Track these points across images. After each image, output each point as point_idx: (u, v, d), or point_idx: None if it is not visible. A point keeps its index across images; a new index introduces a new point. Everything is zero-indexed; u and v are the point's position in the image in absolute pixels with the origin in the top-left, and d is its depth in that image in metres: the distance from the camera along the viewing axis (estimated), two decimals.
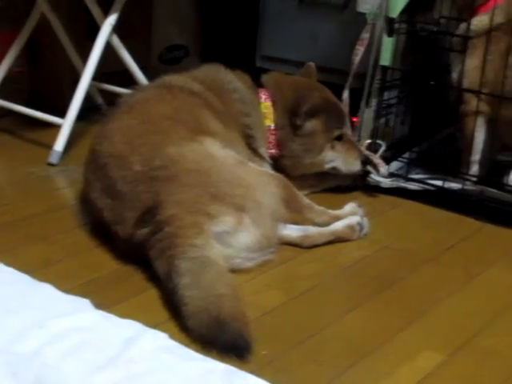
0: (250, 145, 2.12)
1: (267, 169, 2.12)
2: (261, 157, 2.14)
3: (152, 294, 1.67)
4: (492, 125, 2.21)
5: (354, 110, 2.31)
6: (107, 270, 1.77)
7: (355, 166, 2.21)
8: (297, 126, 2.14)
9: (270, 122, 2.16)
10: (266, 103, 2.16)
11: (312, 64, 2.28)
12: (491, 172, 2.30)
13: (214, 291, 1.54)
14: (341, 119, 2.19)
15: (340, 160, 2.20)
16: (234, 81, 2.12)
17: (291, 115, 2.14)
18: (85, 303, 1.53)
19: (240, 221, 1.74)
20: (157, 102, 1.95)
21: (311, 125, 2.14)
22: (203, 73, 2.13)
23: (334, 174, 2.24)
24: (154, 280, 1.68)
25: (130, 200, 1.73)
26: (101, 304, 1.55)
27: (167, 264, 1.61)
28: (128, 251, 1.77)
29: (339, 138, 2.18)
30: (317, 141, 2.16)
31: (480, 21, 2.18)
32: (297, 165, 2.19)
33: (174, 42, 3.25)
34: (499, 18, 2.14)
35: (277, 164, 2.18)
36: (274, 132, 2.16)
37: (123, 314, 1.52)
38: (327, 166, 2.21)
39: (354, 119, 2.33)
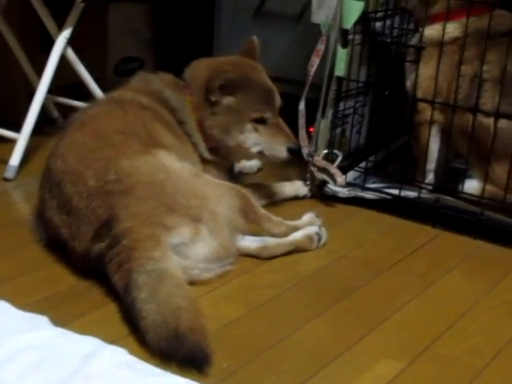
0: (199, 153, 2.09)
1: (220, 174, 2.11)
2: (208, 161, 2.11)
3: (110, 309, 1.65)
4: (446, 134, 2.24)
5: (311, 120, 2.32)
6: (65, 285, 1.74)
7: (280, 153, 2.11)
8: (212, 102, 2.05)
9: (195, 116, 2.08)
10: (189, 98, 2.09)
11: (254, 38, 2.20)
12: (446, 180, 2.33)
13: (172, 304, 1.52)
14: (265, 101, 2.10)
15: (264, 144, 2.11)
16: (164, 89, 2.07)
17: (206, 93, 2.05)
18: (42, 320, 1.51)
19: (197, 231, 1.73)
20: (108, 117, 1.94)
21: (226, 101, 2.05)
22: (143, 84, 2.09)
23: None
24: (113, 294, 1.66)
25: (85, 215, 1.72)
26: (59, 320, 1.53)
27: (125, 278, 1.59)
28: (85, 266, 1.75)
29: (263, 121, 2.09)
30: (233, 119, 2.07)
31: (435, 30, 2.21)
32: (227, 150, 2.12)
33: (130, 53, 3.24)
34: (457, 33, 2.17)
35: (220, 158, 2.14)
36: (200, 124, 2.08)
37: (81, 330, 1.50)
38: (253, 150, 2.11)
39: (311, 129, 2.34)
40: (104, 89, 2.56)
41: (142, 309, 1.52)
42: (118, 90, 2.10)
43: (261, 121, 2.09)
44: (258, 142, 2.11)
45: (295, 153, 2.14)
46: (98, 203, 1.71)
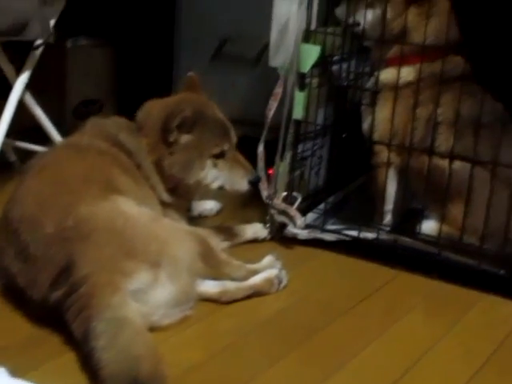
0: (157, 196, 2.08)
1: (179, 217, 2.12)
2: (167, 204, 2.11)
3: (70, 358, 1.62)
4: (402, 175, 2.27)
5: (270, 162, 2.34)
6: (22, 334, 1.72)
7: (241, 186, 2.13)
8: (170, 143, 2.04)
9: (151, 158, 2.06)
10: (144, 140, 2.08)
11: (192, 74, 2.21)
12: (404, 220, 2.36)
13: (131, 352, 1.51)
14: (222, 135, 2.11)
15: (225, 178, 2.12)
16: (119, 133, 2.06)
17: (163, 134, 2.04)
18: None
19: (156, 277, 1.72)
20: (66, 162, 1.93)
21: (185, 140, 2.05)
22: (99, 129, 2.08)
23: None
24: (71, 343, 1.64)
25: (43, 262, 1.70)
26: (17, 371, 1.50)
27: (83, 326, 1.58)
28: (44, 315, 1.72)
29: (222, 156, 2.10)
30: (193, 156, 2.07)
31: (390, 74, 2.25)
32: (187, 189, 2.12)
33: (89, 96, 3.24)
34: (411, 77, 2.21)
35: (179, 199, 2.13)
36: (157, 165, 2.07)
37: (40, 380, 1.48)
38: (213, 186, 2.12)
39: (270, 172, 2.35)
40: (63, 132, 2.56)
41: (101, 357, 1.50)
42: (74, 135, 2.10)
43: (220, 155, 2.10)
44: (219, 177, 2.12)
45: (256, 184, 2.16)
46: (55, 250, 1.70)
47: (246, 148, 2.24)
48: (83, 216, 1.74)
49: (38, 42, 2.47)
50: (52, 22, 2.47)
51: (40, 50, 2.48)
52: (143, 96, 2.18)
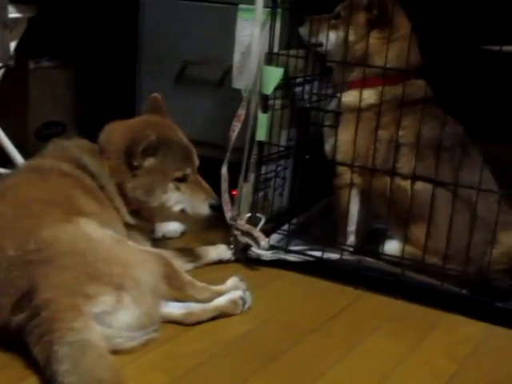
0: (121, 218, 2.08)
1: (143, 238, 2.11)
2: (131, 226, 2.10)
3: (32, 382, 1.60)
4: (365, 196, 2.29)
5: (234, 183, 2.34)
6: None
7: (202, 210, 2.12)
8: (134, 167, 2.04)
9: (114, 180, 2.06)
10: (107, 162, 2.07)
11: (156, 94, 2.21)
12: (368, 241, 2.38)
13: (93, 376, 1.50)
14: (183, 159, 2.11)
15: (186, 202, 2.12)
16: (82, 155, 2.05)
17: (127, 158, 2.04)
18: None
19: (119, 300, 1.71)
20: (28, 186, 1.92)
21: (148, 163, 2.04)
22: (61, 151, 2.07)
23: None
24: (34, 367, 1.62)
25: (4, 286, 1.68)
26: None
27: (45, 350, 1.56)
28: (6, 339, 1.70)
29: (184, 179, 2.11)
30: (156, 179, 2.06)
31: (352, 96, 2.27)
32: (149, 211, 2.12)
33: (51, 118, 3.22)
34: (372, 100, 2.24)
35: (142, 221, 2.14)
36: (120, 187, 2.07)
37: None
38: (175, 209, 2.12)
39: (234, 193, 2.36)
40: (25, 154, 2.53)
41: (63, 381, 1.49)
42: (36, 157, 2.08)
43: (182, 179, 2.10)
44: (181, 201, 2.11)
45: (217, 209, 2.15)
46: (17, 274, 1.68)
47: (210, 170, 2.24)
48: (45, 239, 1.73)
49: None
50: (13, 45, 2.46)
51: (0, 72, 2.46)
52: (106, 118, 2.18)
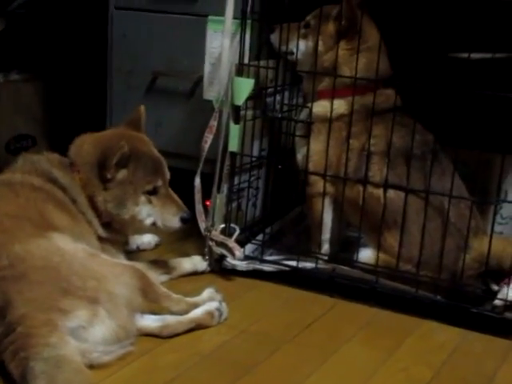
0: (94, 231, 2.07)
1: (117, 251, 2.11)
2: (104, 239, 2.09)
3: None
4: (338, 204, 2.30)
5: (207, 194, 2.34)
6: None
7: (173, 223, 2.13)
8: (106, 179, 2.04)
9: (85, 193, 2.06)
10: (78, 175, 2.06)
11: (141, 107, 2.21)
12: (342, 249, 2.39)
13: None
14: (154, 172, 2.10)
15: (157, 215, 2.12)
16: (52, 169, 2.05)
17: (99, 171, 2.04)
18: None
19: (95, 313, 1.71)
20: None
21: (121, 175, 2.04)
22: (31, 165, 2.05)
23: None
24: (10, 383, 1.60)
25: None
26: None
27: (21, 366, 1.55)
28: None
29: (155, 192, 2.11)
30: (128, 192, 2.06)
31: (322, 106, 2.28)
32: (121, 224, 2.11)
33: (21, 131, 3.20)
34: (342, 109, 2.25)
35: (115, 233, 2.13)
36: (91, 200, 2.06)
37: None
38: (147, 222, 2.12)
39: (207, 203, 2.36)
40: None
41: None
42: (6, 171, 2.07)
43: (153, 192, 2.10)
44: (151, 213, 2.11)
45: (187, 221, 2.15)
46: None
47: (182, 181, 2.24)
48: (18, 254, 1.72)
49: None
50: None
51: None
52: (76, 130, 2.17)
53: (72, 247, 1.81)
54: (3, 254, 1.71)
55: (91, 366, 1.66)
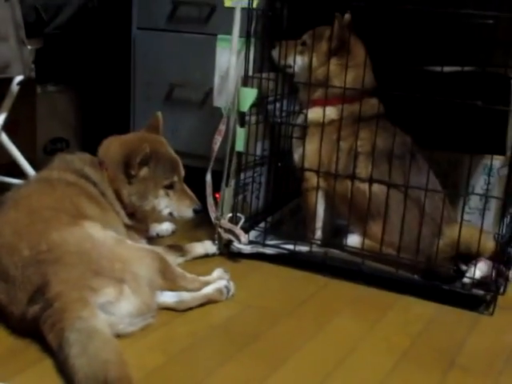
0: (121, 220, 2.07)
1: (140, 237, 2.11)
2: (129, 226, 2.09)
3: (47, 365, 1.59)
4: (329, 197, 2.30)
5: (217, 188, 2.34)
6: (4, 345, 1.68)
7: (187, 213, 2.14)
8: (131, 176, 2.04)
9: (112, 187, 2.06)
10: (106, 172, 2.07)
11: (158, 114, 2.22)
12: (333, 235, 2.39)
13: (100, 358, 1.49)
14: (171, 169, 2.11)
15: (174, 206, 2.13)
16: (84, 166, 2.05)
17: (125, 168, 2.04)
18: None
19: (121, 291, 1.71)
20: (39, 195, 1.91)
21: (143, 172, 2.05)
22: (65, 164, 2.05)
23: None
24: (48, 351, 1.61)
25: (21, 282, 1.67)
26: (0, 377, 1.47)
27: (58, 337, 1.56)
28: (23, 328, 1.69)
29: (172, 187, 2.11)
30: (149, 186, 2.07)
31: (315, 112, 2.28)
32: (143, 214, 2.12)
33: (56, 135, 3.21)
34: (333, 116, 2.25)
35: (138, 222, 2.13)
36: (117, 194, 2.07)
37: None
38: (165, 212, 2.13)
39: (217, 196, 2.36)
40: (35, 166, 2.52)
41: (74, 364, 1.49)
42: (45, 169, 2.07)
43: (170, 186, 2.11)
44: (169, 205, 2.12)
45: (199, 212, 2.16)
46: (31, 271, 1.67)
47: (195, 177, 2.24)
48: (55, 241, 1.73)
49: (19, 78, 2.44)
50: (31, 59, 2.43)
51: (17, 89, 2.44)
52: (104, 134, 2.18)
53: (101, 234, 1.81)
54: (42, 241, 1.72)
55: (118, 336, 1.67)
